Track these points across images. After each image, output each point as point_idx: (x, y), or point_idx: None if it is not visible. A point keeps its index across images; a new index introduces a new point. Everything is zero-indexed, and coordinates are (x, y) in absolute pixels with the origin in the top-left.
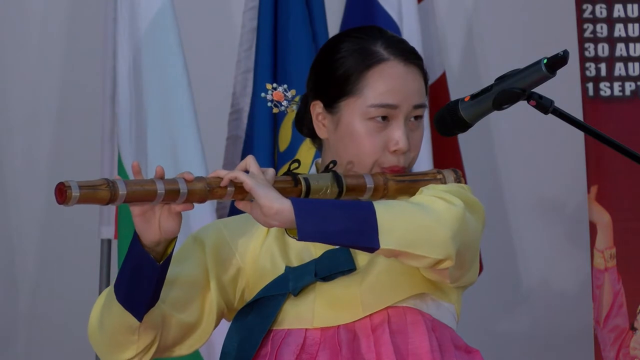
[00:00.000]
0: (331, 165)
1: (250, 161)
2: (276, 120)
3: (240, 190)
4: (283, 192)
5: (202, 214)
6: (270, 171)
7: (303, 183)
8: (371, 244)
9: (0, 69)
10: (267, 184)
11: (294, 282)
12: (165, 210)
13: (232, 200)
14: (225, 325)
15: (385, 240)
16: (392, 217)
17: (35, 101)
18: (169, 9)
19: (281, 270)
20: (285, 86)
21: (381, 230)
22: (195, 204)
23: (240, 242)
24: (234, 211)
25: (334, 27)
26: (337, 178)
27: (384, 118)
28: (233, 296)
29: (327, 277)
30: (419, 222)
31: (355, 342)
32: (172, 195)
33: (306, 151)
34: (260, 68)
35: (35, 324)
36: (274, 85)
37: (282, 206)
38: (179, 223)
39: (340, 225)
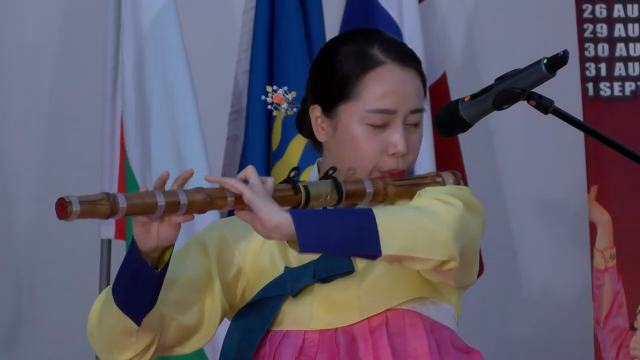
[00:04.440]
0: (331, 172)
1: (250, 171)
2: (271, 120)
3: (241, 200)
4: (283, 200)
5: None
6: (270, 180)
7: (303, 191)
8: (373, 252)
9: None
10: (267, 196)
11: (292, 283)
12: (165, 221)
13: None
14: (228, 323)
15: (387, 246)
16: (391, 222)
17: (36, 101)
18: (171, 8)
19: (280, 270)
20: (286, 88)
21: (382, 237)
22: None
23: (241, 241)
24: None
25: (333, 28)
26: (336, 185)
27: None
28: (235, 295)
29: (325, 279)
30: (419, 225)
31: (353, 345)
32: (172, 207)
33: (295, 148)
34: (256, 68)
35: (35, 324)
36: (274, 87)
37: (282, 219)
38: (178, 232)
39: (340, 235)
